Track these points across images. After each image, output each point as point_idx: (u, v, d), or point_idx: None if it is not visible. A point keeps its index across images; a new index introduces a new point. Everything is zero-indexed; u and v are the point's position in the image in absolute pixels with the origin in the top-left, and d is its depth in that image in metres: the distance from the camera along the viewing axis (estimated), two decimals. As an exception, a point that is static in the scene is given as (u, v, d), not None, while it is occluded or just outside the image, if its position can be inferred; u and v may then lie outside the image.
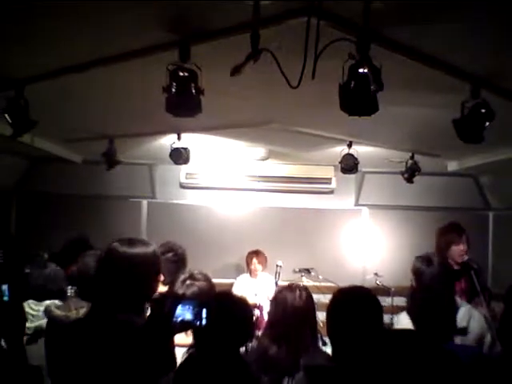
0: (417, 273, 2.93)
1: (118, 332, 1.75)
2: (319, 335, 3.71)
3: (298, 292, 2.41)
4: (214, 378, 1.85)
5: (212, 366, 1.86)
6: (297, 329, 2.33)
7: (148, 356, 1.69)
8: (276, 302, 2.45)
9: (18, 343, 2.51)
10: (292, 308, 2.35)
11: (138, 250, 1.89)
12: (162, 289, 2.84)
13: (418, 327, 2.31)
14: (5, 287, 2.95)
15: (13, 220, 5.93)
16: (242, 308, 2.02)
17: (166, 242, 3.14)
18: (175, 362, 1.88)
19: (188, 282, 2.37)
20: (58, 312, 2.52)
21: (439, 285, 2.81)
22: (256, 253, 5.51)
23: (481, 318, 2.79)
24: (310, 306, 2.42)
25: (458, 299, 2.87)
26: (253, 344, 2.49)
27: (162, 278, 2.67)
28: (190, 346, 2.00)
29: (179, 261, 3.02)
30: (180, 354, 2.02)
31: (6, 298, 2.91)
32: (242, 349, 2.15)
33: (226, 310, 1.95)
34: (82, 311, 2.33)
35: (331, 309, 2.00)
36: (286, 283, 3.78)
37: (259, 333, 3.32)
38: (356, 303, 1.97)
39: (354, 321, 1.89)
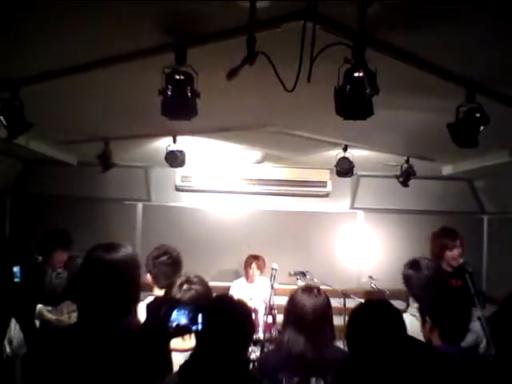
0: (406, 278, 2.99)
1: (112, 337, 1.75)
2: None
3: (315, 292, 2.48)
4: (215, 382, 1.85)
5: (214, 369, 1.85)
6: (318, 327, 2.39)
7: (143, 361, 1.68)
8: (295, 303, 2.48)
9: (30, 323, 2.50)
10: (312, 309, 2.41)
11: (118, 254, 1.89)
12: (158, 292, 2.83)
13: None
14: (16, 269, 2.94)
15: (7, 222, 5.91)
16: (242, 310, 2.03)
17: (160, 245, 3.13)
18: (171, 367, 1.87)
19: (185, 286, 2.36)
20: (49, 316, 2.50)
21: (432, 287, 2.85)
22: (256, 257, 5.50)
23: (477, 325, 2.81)
24: (328, 305, 2.50)
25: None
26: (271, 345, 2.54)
27: (149, 278, 2.67)
28: (192, 350, 2.00)
29: (174, 264, 3.01)
30: (177, 359, 2.01)
31: (17, 280, 2.90)
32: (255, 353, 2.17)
33: (226, 313, 1.95)
34: (74, 315, 2.33)
35: (353, 322, 2.03)
36: (283, 286, 3.75)
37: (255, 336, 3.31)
38: (378, 317, 1.99)
39: (376, 334, 1.92)
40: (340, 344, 2.64)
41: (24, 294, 2.71)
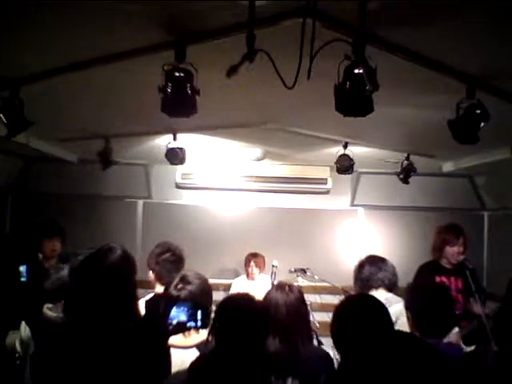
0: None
1: (112, 335, 1.75)
2: (315, 335, 3.74)
3: (287, 289, 2.44)
4: (231, 379, 1.85)
5: (231, 366, 1.85)
6: (293, 325, 2.35)
7: (142, 358, 1.69)
8: (268, 302, 2.45)
9: (36, 321, 2.50)
10: (285, 306, 2.37)
11: (109, 258, 1.89)
12: (160, 290, 2.83)
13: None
14: (22, 268, 2.93)
15: (8, 220, 5.91)
16: (261, 308, 2.03)
17: (163, 242, 3.13)
18: (170, 365, 1.87)
19: (180, 285, 2.35)
20: (50, 313, 2.50)
21: None
22: (255, 255, 5.50)
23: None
24: (301, 302, 2.45)
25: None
26: None
27: (151, 275, 2.64)
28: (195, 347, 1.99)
29: (178, 261, 3.01)
30: (179, 356, 2.01)
31: (23, 279, 2.89)
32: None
33: (246, 311, 1.95)
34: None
35: (339, 318, 2.01)
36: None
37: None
38: (363, 311, 1.97)
39: (362, 329, 1.90)
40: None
41: (30, 292, 2.70)
